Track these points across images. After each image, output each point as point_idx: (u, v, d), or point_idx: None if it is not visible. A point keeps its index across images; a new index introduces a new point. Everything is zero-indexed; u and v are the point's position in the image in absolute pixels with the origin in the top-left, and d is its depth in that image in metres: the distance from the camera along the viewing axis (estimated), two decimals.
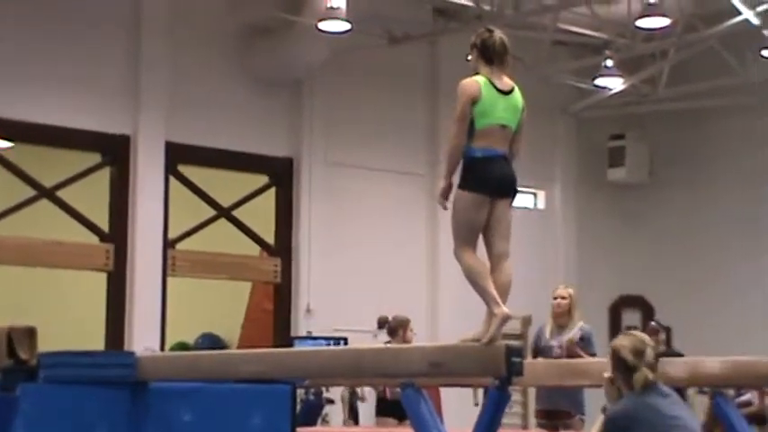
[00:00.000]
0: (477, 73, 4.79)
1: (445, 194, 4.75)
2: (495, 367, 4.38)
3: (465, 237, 4.71)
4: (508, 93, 4.79)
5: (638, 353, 4.54)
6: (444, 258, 13.54)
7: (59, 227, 11.97)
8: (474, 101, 4.67)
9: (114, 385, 5.13)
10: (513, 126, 4.77)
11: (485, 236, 4.79)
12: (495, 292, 4.66)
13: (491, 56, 4.79)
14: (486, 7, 12.42)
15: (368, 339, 11.83)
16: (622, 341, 4.63)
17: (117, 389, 5.12)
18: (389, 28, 12.76)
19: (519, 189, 4.84)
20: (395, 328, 9.62)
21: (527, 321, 12.97)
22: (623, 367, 4.55)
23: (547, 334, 8.14)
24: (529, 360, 7.22)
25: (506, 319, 4.58)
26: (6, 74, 11.23)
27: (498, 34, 4.85)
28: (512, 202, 4.80)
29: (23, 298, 13.45)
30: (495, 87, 4.75)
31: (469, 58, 4.86)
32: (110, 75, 11.87)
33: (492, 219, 4.74)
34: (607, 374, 4.65)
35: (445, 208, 4.75)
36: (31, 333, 3.21)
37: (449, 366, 4.51)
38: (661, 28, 11.89)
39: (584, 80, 14.18)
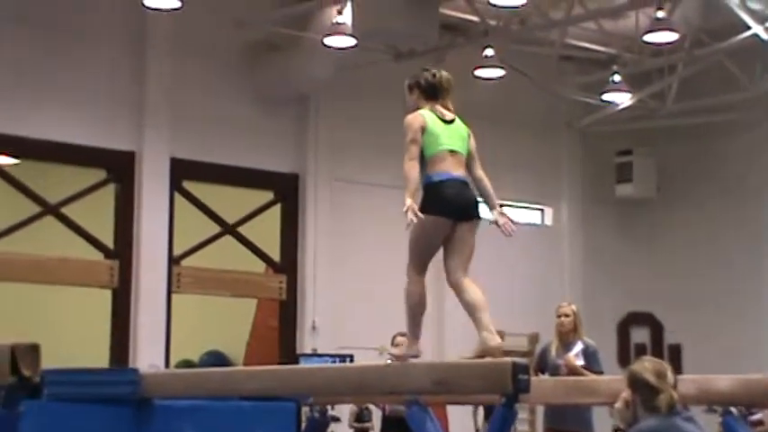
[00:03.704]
0: (417, 108, 5.11)
1: (413, 212, 4.87)
2: (502, 384, 4.37)
3: (419, 258, 4.96)
4: (451, 122, 5.10)
5: (661, 374, 4.54)
6: None
7: (64, 243, 11.98)
8: (422, 130, 4.99)
9: (118, 403, 5.13)
10: (463, 151, 5.07)
11: (447, 260, 4.98)
12: (420, 330, 4.94)
13: (436, 93, 5.15)
14: (493, 22, 12.45)
15: (374, 357, 11.81)
16: (643, 363, 4.63)
17: (121, 406, 5.11)
18: (395, 44, 12.80)
19: (480, 215, 5.01)
20: None
21: (534, 339, 12.95)
22: (645, 389, 4.53)
23: (553, 352, 8.13)
24: (536, 377, 7.20)
25: (417, 356, 4.86)
26: (11, 90, 11.28)
27: (443, 72, 5.22)
28: (475, 225, 5.00)
29: (27, 315, 13.44)
30: (439, 118, 5.07)
31: (408, 96, 5.21)
32: (115, 90, 11.90)
33: (454, 241, 4.95)
34: (625, 395, 4.62)
35: (408, 227, 4.94)
36: (34, 350, 3.22)
37: (453, 383, 4.50)
38: (669, 43, 11.90)
39: (592, 95, 14.18)
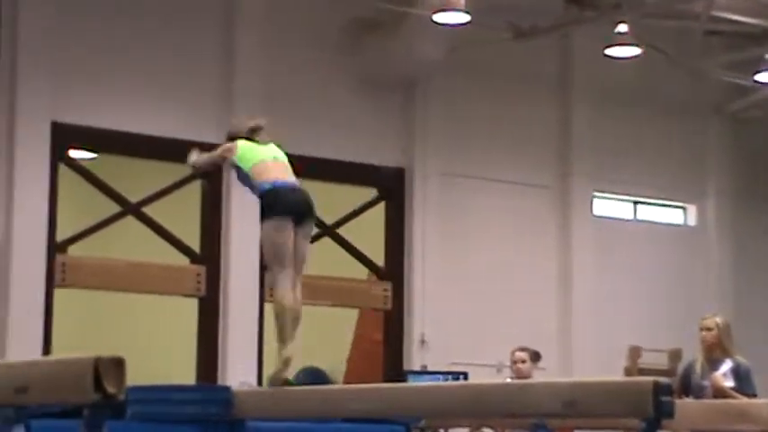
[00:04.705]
0: None
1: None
2: (642, 407, 4.35)
3: (276, 263, 6.15)
4: (266, 144, 6.44)
5: None
6: (578, 281, 13.44)
7: (146, 247, 12.24)
8: (234, 149, 6.36)
9: (208, 423, 5.25)
10: (284, 159, 6.34)
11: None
12: (290, 334, 6.12)
13: (251, 134, 6.55)
14: None
15: (491, 374, 11.81)
16: None
17: (211, 427, 5.22)
18: (515, 20, 12.76)
19: (315, 217, 6.33)
20: None
21: (675, 355, 12.78)
22: None
23: (697, 371, 8.05)
24: (680, 400, 7.14)
25: (288, 361, 5.96)
26: (87, 79, 11.54)
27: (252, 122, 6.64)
28: (309, 230, 6.35)
29: (106, 326, 13.77)
30: (253, 142, 6.47)
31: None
32: (200, 78, 12.10)
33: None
34: None
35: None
36: (119, 364, 3.29)
37: (585, 405, 4.49)
38: None
39: (743, 75, 13.95)
